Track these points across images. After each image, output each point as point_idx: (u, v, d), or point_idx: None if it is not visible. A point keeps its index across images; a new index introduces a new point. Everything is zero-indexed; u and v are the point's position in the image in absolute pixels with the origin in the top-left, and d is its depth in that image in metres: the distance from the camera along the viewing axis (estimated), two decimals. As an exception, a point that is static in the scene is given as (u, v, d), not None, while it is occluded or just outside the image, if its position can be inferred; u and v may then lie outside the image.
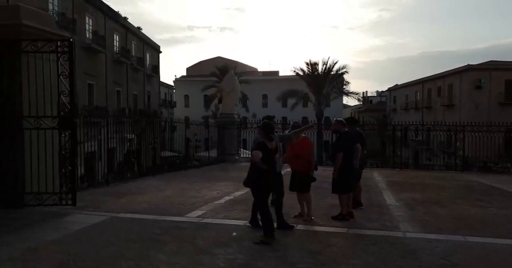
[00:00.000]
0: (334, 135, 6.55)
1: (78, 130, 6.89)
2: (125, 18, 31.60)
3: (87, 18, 24.85)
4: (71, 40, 6.48)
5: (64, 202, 6.32)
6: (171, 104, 51.24)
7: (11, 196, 6.26)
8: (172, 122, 13.07)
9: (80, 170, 9.08)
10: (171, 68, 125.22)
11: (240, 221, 5.70)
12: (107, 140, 9.79)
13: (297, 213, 5.94)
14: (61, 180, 6.47)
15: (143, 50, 35.50)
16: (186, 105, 54.61)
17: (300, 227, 5.42)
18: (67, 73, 6.27)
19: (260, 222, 4.93)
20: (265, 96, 49.94)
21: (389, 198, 8.01)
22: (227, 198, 7.64)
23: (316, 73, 24.46)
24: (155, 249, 4.33)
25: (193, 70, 59.42)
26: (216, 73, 39.43)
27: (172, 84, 56.07)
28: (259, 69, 59.64)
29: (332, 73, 24.40)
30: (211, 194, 8.03)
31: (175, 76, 65.18)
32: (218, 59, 53.07)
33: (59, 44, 6.28)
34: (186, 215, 6.05)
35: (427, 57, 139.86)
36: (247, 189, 8.83)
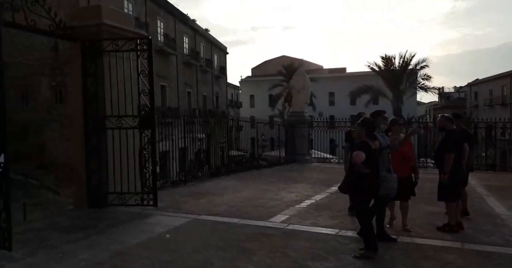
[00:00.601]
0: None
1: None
2: (194, 21, 32.35)
3: (158, 21, 25.70)
4: (149, 37, 6.36)
5: (145, 203, 6.22)
6: (237, 105, 51.83)
7: (95, 195, 6.30)
8: (239, 121, 12.82)
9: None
10: (237, 69, 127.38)
11: (330, 229, 5.15)
12: (185, 139, 9.81)
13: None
14: (142, 180, 6.39)
15: (211, 52, 36.16)
16: (252, 105, 54.99)
17: (403, 239, 4.73)
18: (146, 71, 6.16)
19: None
20: (331, 94, 48.60)
21: (497, 206, 6.95)
22: (308, 202, 7.11)
23: (392, 67, 22.90)
24: (245, 260, 3.95)
25: (258, 70, 59.68)
26: (282, 72, 39.04)
27: (238, 84, 56.74)
28: (325, 67, 58.30)
29: (410, 67, 22.72)
30: (290, 197, 7.56)
31: (241, 76, 65.96)
32: (283, 58, 52.67)
33: (138, 42, 6.20)
34: (270, 220, 5.63)
35: (511, 48, 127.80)
36: (328, 193, 8.40)
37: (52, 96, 21.45)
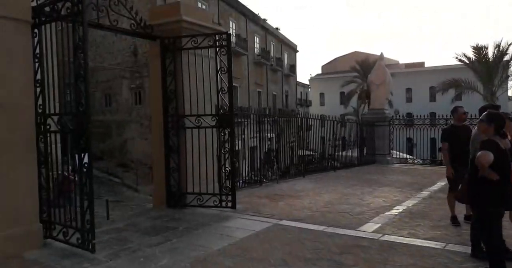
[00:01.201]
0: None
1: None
2: (265, 20, 32.26)
3: (230, 22, 25.94)
4: (228, 33, 6.09)
5: (224, 204, 5.96)
6: (307, 103, 51.00)
7: (174, 195, 6.17)
8: (312, 118, 12.21)
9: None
10: (306, 66, 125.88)
11: (433, 242, 4.44)
12: (260, 137, 9.52)
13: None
14: (220, 180, 6.14)
15: (281, 51, 35.86)
16: (322, 104, 53.79)
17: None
18: (225, 68, 5.89)
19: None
20: (408, 90, 45.77)
21: None
22: (399, 208, 6.37)
23: (485, 59, 20.56)
24: (340, 276, 3.44)
25: (328, 67, 58.26)
26: (355, 68, 37.51)
27: (307, 83, 55.83)
28: (400, 61, 55.13)
29: (505, 59, 20.18)
30: (377, 202, 6.86)
31: (310, 74, 64.86)
32: (355, 54, 50.79)
33: (217, 38, 5.95)
34: (360, 229, 5.04)
35: None
36: (419, 198, 7.51)
37: (132, 98, 22.59)
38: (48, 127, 4.36)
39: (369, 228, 5.09)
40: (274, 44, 34.21)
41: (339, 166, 13.52)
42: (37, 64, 4.38)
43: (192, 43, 5.94)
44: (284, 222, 5.37)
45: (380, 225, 5.24)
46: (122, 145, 22.73)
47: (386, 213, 5.97)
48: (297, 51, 41.40)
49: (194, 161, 6.03)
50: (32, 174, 4.19)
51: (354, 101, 38.36)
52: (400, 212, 6.07)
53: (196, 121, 6.00)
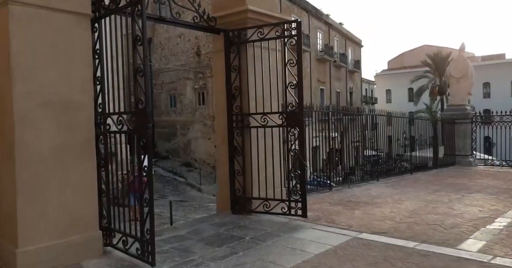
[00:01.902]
0: None
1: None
2: (328, 15, 31.17)
3: (293, 18, 25.27)
4: (299, 21, 5.48)
5: (293, 212, 5.37)
6: (372, 100, 48.77)
7: (239, 200, 5.71)
8: (383, 115, 11.14)
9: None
10: (371, 62, 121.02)
11: None
12: (325, 137, 8.79)
13: None
14: (289, 185, 5.56)
15: (345, 46, 34.51)
16: (388, 101, 51.30)
17: None
18: (294, 60, 5.29)
19: None
20: (486, 85, 41.98)
21: None
22: (502, 221, 5.36)
23: None
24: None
25: (395, 62, 55.40)
26: (426, 62, 35.08)
27: (373, 79, 53.48)
28: (476, 54, 50.79)
29: None
30: (472, 212, 5.86)
31: (376, 71, 62.18)
32: (424, 47, 47.72)
33: (285, 27, 5.37)
34: (460, 247, 4.19)
35: None
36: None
37: (195, 99, 22.83)
38: (108, 127, 4.07)
39: (472, 246, 4.21)
40: (337, 39, 32.98)
41: (410, 168, 12.36)
42: (97, 61, 4.11)
43: (258, 34, 5.42)
44: (365, 236, 4.65)
45: (485, 242, 4.33)
46: (186, 145, 23.06)
47: (488, 227, 5.01)
48: (362, 46, 39.64)
49: (259, 163, 5.52)
50: (91, 177, 3.92)
51: (425, 97, 35.90)
52: (506, 226, 5.07)
53: (262, 120, 5.48)
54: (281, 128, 5.56)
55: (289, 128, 5.38)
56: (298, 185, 5.52)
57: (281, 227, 5.01)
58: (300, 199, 5.33)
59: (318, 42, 29.07)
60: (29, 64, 3.53)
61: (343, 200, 6.94)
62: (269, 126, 5.46)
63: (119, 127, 3.90)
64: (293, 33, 5.30)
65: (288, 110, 5.38)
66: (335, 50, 31.86)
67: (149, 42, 24.98)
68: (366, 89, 48.70)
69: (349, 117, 11.03)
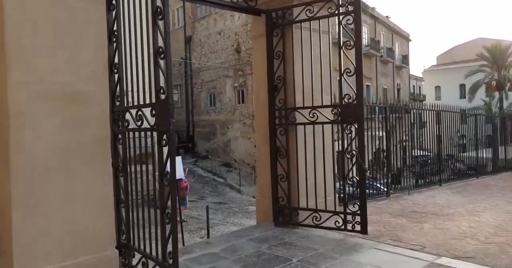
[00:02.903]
0: None
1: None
2: (374, 8, 29.57)
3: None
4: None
5: (350, 227, 4.43)
6: (420, 97, 46.17)
7: (283, 210, 4.85)
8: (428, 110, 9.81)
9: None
10: (419, 58, 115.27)
11: None
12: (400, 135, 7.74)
13: None
14: (344, 194, 4.63)
15: (392, 40, 32.67)
16: (437, 98, 48.34)
17: None
18: (352, 42, 4.36)
19: None
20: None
21: None
22: None
23: None
24: None
25: (445, 57, 52.21)
26: (483, 55, 32.48)
27: (420, 75, 50.72)
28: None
29: None
30: None
31: (424, 66, 59.12)
32: (478, 40, 44.51)
33: (339, 2, 4.45)
34: None
35: None
36: None
37: (235, 97, 22.21)
38: (126, 124, 3.35)
39: None
40: (384, 33, 31.22)
41: (476, 171, 10.96)
42: (114, 44, 3.41)
43: (307, 13, 4.55)
44: (445, 261, 3.65)
45: None
46: (226, 145, 22.50)
47: None
48: (410, 40, 37.44)
49: (307, 167, 4.65)
50: (105, 185, 3.20)
51: (480, 94, 33.29)
52: None
53: (311, 115, 4.60)
54: (334, 125, 4.66)
55: (344, 125, 4.46)
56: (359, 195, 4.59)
57: (336, 247, 4.10)
58: (358, 212, 4.38)
59: (364, 37, 27.54)
60: (27, 46, 2.85)
61: (405, 210, 5.90)
62: (319, 123, 4.57)
63: (139, 123, 3.17)
64: (349, 9, 4.38)
65: (343, 103, 4.45)
66: (382, 44, 30.17)
67: (188, 40, 24.70)
68: (413, 85, 46.18)
69: (397, 114, 9.86)
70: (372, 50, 27.32)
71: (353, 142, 4.44)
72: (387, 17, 32.38)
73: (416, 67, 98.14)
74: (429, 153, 12.57)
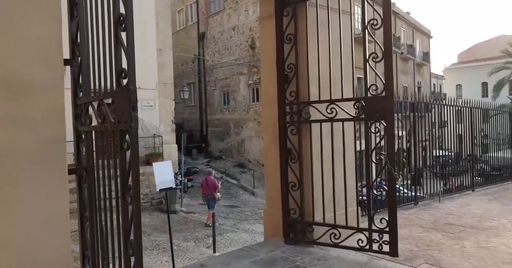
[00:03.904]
0: None
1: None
2: (394, 4, 28.41)
3: (356, 7, 23.03)
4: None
5: (376, 247, 3.60)
6: (441, 96, 44.55)
7: (295, 226, 4.06)
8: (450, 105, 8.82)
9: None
10: (440, 55, 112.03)
11: None
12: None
13: None
14: (369, 207, 3.80)
15: (412, 37, 31.40)
16: (459, 96, 46.59)
17: None
18: (379, 20, 3.54)
19: None
20: None
21: None
22: None
23: None
24: None
25: (466, 55, 50.38)
26: (508, 52, 30.92)
27: (441, 73, 49.04)
28: None
29: None
30: None
31: (444, 65, 57.28)
32: (501, 38, 42.72)
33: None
34: None
35: None
36: None
37: (249, 95, 21.47)
38: (88, 121, 2.62)
39: None
40: (404, 29, 30.02)
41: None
42: (76, 20, 2.68)
43: (323, -14, 3.76)
44: (504, 299, 2.80)
45: None
46: (240, 145, 21.79)
47: None
48: (431, 37, 36.04)
49: (324, 172, 3.85)
50: (60, 199, 2.46)
51: (504, 92, 31.78)
52: None
53: (329, 111, 3.80)
54: (356, 122, 3.86)
55: (369, 122, 3.64)
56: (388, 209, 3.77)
57: (359, 273, 3.29)
58: (386, 229, 3.56)
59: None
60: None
61: (439, 222, 5.03)
62: (338, 120, 3.77)
63: (99, 120, 2.42)
64: (378, -19, 3.56)
65: (368, 96, 3.64)
66: (402, 41, 28.97)
67: (202, 36, 24.07)
68: (434, 84, 44.66)
69: (419, 113, 8.93)
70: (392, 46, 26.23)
71: (377, 142, 3.62)
72: (407, 13, 31.17)
73: (437, 65, 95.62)
74: (451, 154, 11.57)
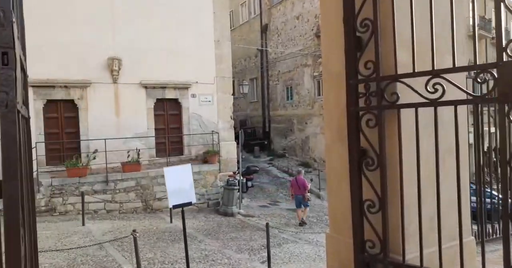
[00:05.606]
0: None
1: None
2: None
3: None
4: None
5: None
6: None
7: (374, 265, 2.68)
8: None
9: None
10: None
11: None
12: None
13: None
14: (508, 243, 2.30)
15: (506, 19, 27.60)
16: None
17: None
18: None
19: None
20: None
21: None
22: None
23: None
24: None
25: None
26: None
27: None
28: None
29: None
30: None
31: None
32: None
33: None
34: None
35: None
36: None
37: (314, 88, 19.99)
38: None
39: None
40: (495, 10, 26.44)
41: None
42: None
43: None
44: None
45: None
46: (304, 142, 20.39)
47: None
48: (527, 18, 31.56)
49: (423, 186, 2.43)
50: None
51: None
52: None
53: (430, 89, 2.36)
54: (476, 106, 2.37)
55: (507, 105, 2.14)
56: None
57: None
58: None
59: (469, 14, 23.33)
60: None
61: None
62: (446, 102, 2.32)
63: None
64: None
65: (504, 60, 2.14)
66: (493, 24, 25.49)
67: (265, 28, 23.02)
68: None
69: None
70: (481, 30, 23.04)
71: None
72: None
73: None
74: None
